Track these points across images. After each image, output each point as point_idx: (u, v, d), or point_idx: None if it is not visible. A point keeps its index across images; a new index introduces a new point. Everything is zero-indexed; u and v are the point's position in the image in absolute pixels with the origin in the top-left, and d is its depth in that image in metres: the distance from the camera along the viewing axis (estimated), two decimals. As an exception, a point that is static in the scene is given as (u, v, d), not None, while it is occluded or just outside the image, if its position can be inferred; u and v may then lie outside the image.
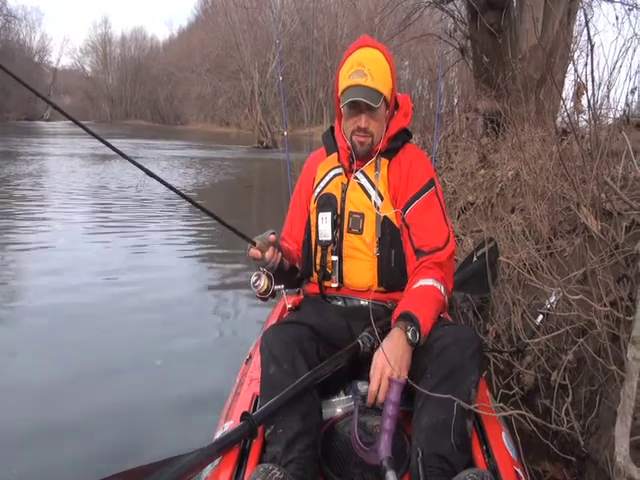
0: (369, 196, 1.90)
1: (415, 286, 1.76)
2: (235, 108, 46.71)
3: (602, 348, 1.92)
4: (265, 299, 1.92)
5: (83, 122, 1.73)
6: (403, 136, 1.98)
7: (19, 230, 6.97)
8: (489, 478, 1.32)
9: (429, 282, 1.76)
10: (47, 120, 55.89)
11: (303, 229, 2.05)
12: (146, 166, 1.70)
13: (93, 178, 12.63)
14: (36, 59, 65.34)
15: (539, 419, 1.84)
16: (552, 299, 2.17)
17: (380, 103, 1.82)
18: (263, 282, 1.86)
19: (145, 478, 1.27)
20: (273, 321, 2.23)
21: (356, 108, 1.84)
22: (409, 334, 1.59)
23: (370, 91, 1.79)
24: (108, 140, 1.66)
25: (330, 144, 2.06)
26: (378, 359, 1.56)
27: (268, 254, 1.82)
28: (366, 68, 1.81)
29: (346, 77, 1.84)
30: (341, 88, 1.86)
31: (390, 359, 1.54)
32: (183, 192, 1.84)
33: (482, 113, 6.23)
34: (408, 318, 1.62)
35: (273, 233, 1.84)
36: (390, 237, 1.87)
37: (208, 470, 1.44)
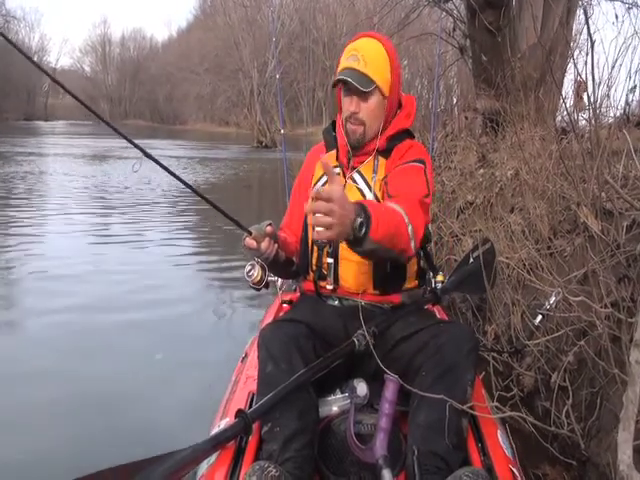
0: (366, 199, 1.86)
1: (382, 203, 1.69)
2: (234, 108, 46.71)
3: (603, 349, 1.90)
4: (258, 289, 1.92)
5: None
6: (403, 137, 1.93)
7: (11, 238, 6.68)
8: (484, 477, 1.32)
9: (397, 208, 1.62)
10: (45, 120, 55.84)
11: (301, 224, 2.02)
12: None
13: (89, 178, 12.60)
14: (35, 59, 65.26)
15: (539, 421, 1.81)
16: (552, 300, 2.15)
17: (371, 89, 1.78)
18: (257, 272, 1.86)
19: (138, 474, 1.26)
20: (269, 319, 2.23)
21: (349, 92, 1.82)
22: (357, 221, 1.40)
23: (360, 75, 1.77)
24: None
25: (330, 140, 2.02)
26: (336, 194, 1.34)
27: (264, 245, 1.80)
28: (360, 53, 1.79)
29: (342, 61, 1.83)
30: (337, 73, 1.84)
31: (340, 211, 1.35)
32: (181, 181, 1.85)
33: (481, 112, 6.20)
34: (362, 209, 1.43)
35: (270, 224, 1.82)
36: None
37: (204, 467, 1.44)
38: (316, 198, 1.34)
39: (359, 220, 1.41)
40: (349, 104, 1.83)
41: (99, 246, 6.49)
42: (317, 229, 1.36)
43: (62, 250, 6.05)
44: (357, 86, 1.76)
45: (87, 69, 74.87)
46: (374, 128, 1.86)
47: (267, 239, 1.81)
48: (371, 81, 1.78)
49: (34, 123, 50.01)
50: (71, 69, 76.78)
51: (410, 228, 1.61)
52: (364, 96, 1.80)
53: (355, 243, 1.45)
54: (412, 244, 1.64)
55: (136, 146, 1.72)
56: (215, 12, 48.67)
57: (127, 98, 70.03)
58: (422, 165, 1.84)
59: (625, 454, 1.08)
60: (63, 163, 16.02)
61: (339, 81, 1.80)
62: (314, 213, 1.33)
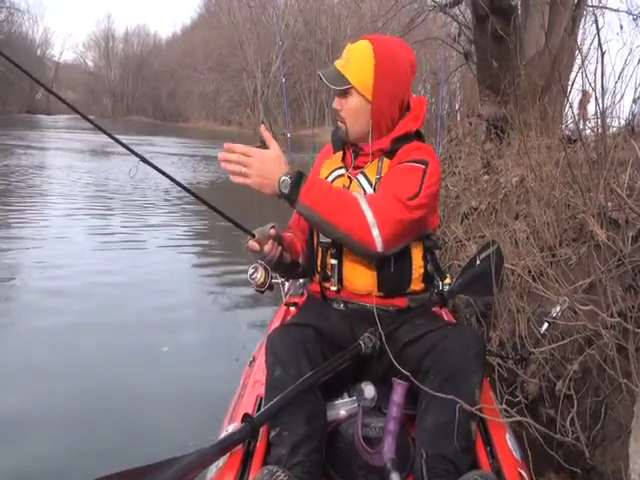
0: None
1: None
2: (237, 107, 46.78)
3: (608, 359, 1.91)
4: (262, 292, 1.91)
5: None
6: (411, 139, 1.89)
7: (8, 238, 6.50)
8: None
9: (356, 194, 1.70)
10: (48, 113, 55.84)
11: (308, 223, 2.00)
12: (145, 165, 1.70)
13: (89, 174, 12.60)
14: (38, 52, 65.45)
15: (544, 428, 1.82)
16: (558, 308, 2.16)
17: (346, 89, 1.79)
18: (260, 275, 1.86)
19: (145, 478, 1.26)
20: (277, 323, 2.23)
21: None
22: (281, 178, 1.59)
23: (335, 73, 1.79)
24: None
25: (337, 141, 2.01)
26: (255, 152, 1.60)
27: (267, 247, 1.80)
28: (347, 54, 1.81)
29: None
30: None
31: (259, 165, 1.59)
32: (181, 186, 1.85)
33: (485, 118, 6.21)
34: (297, 173, 1.62)
35: (273, 227, 1.82)
36: None
37: (212, 472, 1.44)
38: (230, 150, 1.59)
39: (283, 178, 1.59)
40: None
41: (100, 245, 6.44)
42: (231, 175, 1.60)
43: (61, 251, 5.96)
44: (326, 82, 1.79)
45: (90, 64, 75.03)
46: (357, 129, 1.85)
47: (270, 241, 1.81)
48: (344, 80, 1.78)
49: (36, 117, 49.99)
50: (74, 63, 77.05)
51: (370, 216, 1.62)
52: (342, 95, 1.82)
53: (289, 202, 1.63)
54: (374, 231, 1.63)
55: (134, 152, 1.71)
56: (220, 11, 48.72)
57: (130, 94, 69.95)
58: (422, 166, 1.79)
59: (637, 464, 1.10)
60: (64, 158, 16.01)
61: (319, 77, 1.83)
62: (226, 161, 1.59)
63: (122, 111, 67.95)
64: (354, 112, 1.83)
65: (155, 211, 8.73)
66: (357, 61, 1.79)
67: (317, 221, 1.64)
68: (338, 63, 1.80)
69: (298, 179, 1.60)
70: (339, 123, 1.88)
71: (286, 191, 1.59)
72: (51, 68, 69.80)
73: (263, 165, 1.58)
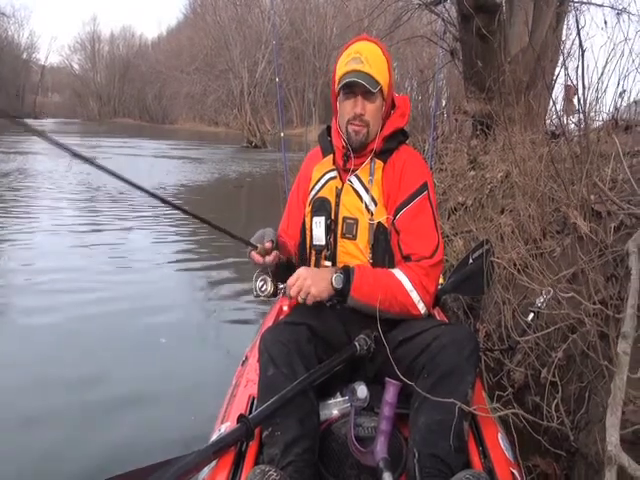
0: (363, 201, 1.87)
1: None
2: (224, 107, 46.58)
3: (591, 345, 1.96)
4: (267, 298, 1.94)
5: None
6: (399, 137, 1.96)
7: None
8: (485, 479, 1.34)
9: (398, 273, 1.78)
10: (35, 117, 55.47)
11: (299, 228, 2.04)
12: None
13: (80, 178, 12.55)
14: (24, 56, 64.92)
15: (530, 416, 1.87)
16: (543, 298, 2.21)
17: (377, 91, 1.81)
18: (269, 286, 1.88)
19: (147, 479, 1.28)
20: (270, 322, 2.24)
21: (352, 94, 1.83)
22: (335, 276, 1.74)
23: (367, 76, 1.79)
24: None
25: (326, 145, 2.03)
26: (301, 271, 1.76)
27: (269, 258, 1.80)
28: (363, 56, 1.81)
29: (343, 65, 1.84)
30: (338, 76, 1.85)
31: (309, 276, 1.73)
32: (170, 198, 1.81)
33: (471, 115, 6.28)
34: (346, 268, 1.77)
35: (271, 241, 1.80)
36: (384, 243, 1.85)
37: (205, 472, 1.45)
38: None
39: (335, 275, 1.74)
40: (353, 106, 1.84)
41: (90, 253, 6.24)
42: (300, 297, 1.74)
43: (52, 263, 5.71)
44: (368, 87, 1.78)
45: (76, 67, 74.46)
46: (375, 129, 1.88)
47: (274, 253, 1.81)
48: (377, 82, 1.80)
49: (23, 121, 49.42)
50: (60, 66, 76.44)
51: (415, 294, 1.77)
52: (371, 97, 1.82)
53: (341, 297, 1.76)
54: (420, 305, 1.79)
55: (106, 170, 1.38)
56: (205, 11, 48.51)
57: (116, 96, 69.52)
58: (426, 192, 1.87)
59: (613, 436, 1.16)
60: (51, 163, 15.88)
61: (347, 84, 1.80)
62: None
63: (109, 114, 67.53)
64: (377, 112, 1.87)
65: (144, 215, 8.62)
66: (377, 62, 1.83)
67: (367, 309, 1.75)
68: (361, 67, 1.80)
69: (346, 274, 1.75)
70: (357, 128, 1.86)
71: (339, 286, 1.73)
72: (37, 72, 69.24)
73: (314, 272, 1.78)
